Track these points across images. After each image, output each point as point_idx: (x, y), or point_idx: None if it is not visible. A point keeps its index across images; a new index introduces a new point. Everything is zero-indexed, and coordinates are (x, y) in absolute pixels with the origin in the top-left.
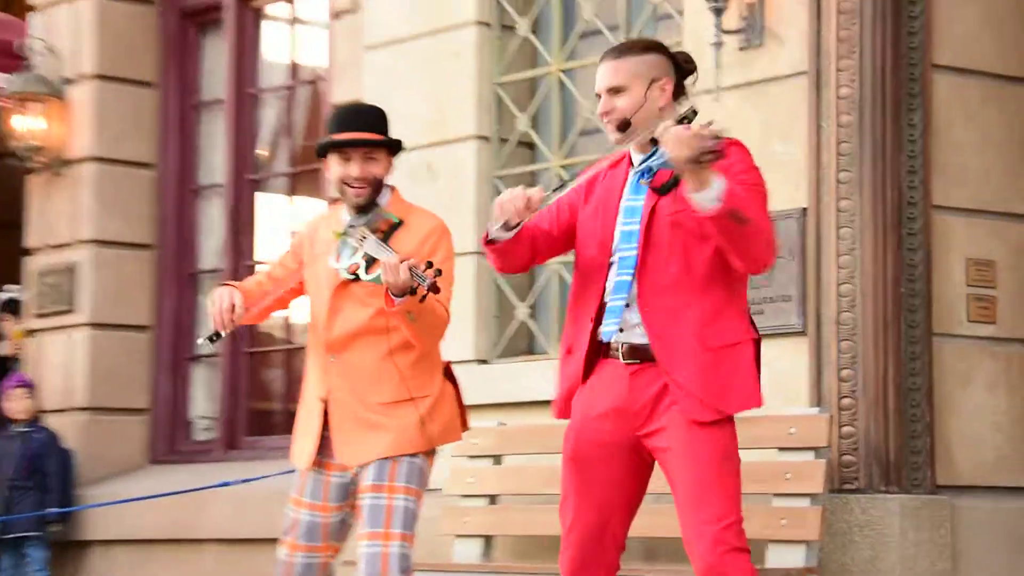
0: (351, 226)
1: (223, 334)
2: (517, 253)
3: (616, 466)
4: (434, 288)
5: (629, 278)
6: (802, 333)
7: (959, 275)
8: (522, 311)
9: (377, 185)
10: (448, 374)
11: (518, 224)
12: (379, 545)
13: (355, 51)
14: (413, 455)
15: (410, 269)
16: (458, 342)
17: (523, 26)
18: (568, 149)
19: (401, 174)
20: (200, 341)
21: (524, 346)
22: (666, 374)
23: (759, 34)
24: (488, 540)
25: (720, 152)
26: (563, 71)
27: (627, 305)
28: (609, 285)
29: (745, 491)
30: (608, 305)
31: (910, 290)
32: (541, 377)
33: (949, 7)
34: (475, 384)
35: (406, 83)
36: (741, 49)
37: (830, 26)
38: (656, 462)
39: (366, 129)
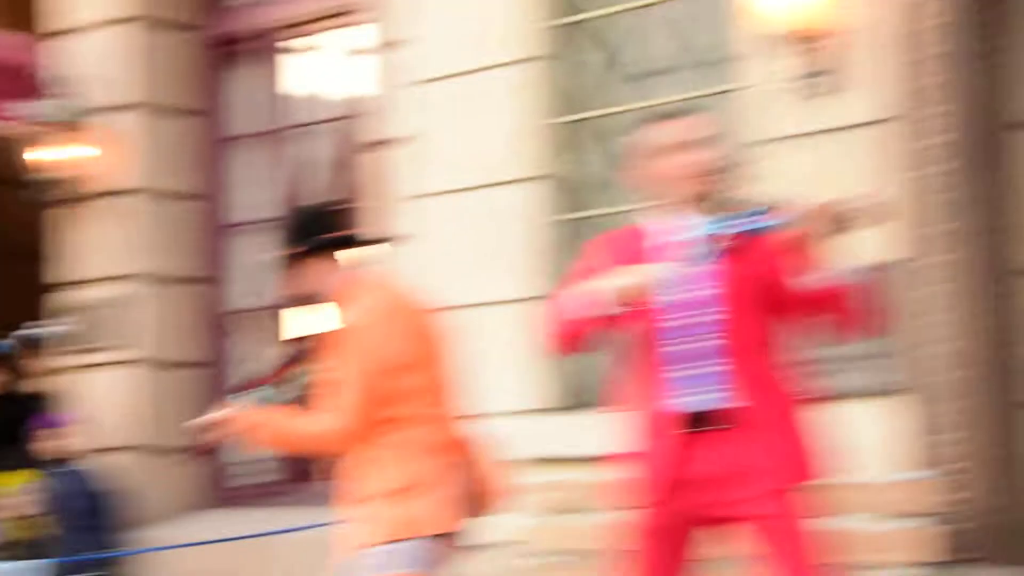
0: None
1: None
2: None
3: (691, 538)
4: None
5: (714, 343)
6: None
7: None
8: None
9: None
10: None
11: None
12: None
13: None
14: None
15: None
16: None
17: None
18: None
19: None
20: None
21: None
22: (755, 441)
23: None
24: None
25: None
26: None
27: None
28: (681, 351)
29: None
30: (693, 373)
31: None
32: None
33: None
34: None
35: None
36: (811, 97)
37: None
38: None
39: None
